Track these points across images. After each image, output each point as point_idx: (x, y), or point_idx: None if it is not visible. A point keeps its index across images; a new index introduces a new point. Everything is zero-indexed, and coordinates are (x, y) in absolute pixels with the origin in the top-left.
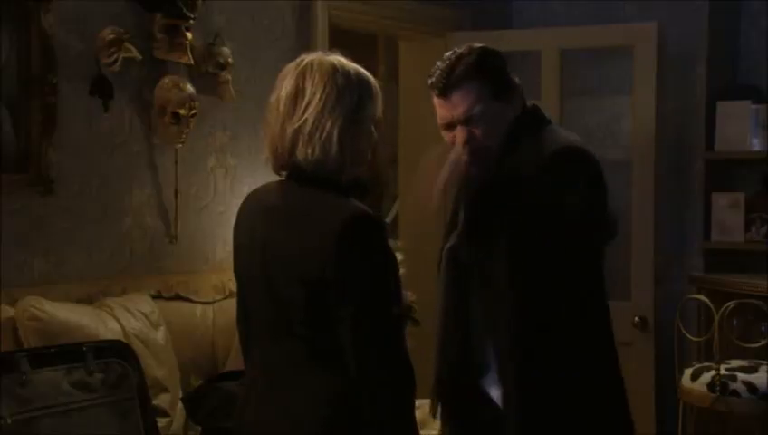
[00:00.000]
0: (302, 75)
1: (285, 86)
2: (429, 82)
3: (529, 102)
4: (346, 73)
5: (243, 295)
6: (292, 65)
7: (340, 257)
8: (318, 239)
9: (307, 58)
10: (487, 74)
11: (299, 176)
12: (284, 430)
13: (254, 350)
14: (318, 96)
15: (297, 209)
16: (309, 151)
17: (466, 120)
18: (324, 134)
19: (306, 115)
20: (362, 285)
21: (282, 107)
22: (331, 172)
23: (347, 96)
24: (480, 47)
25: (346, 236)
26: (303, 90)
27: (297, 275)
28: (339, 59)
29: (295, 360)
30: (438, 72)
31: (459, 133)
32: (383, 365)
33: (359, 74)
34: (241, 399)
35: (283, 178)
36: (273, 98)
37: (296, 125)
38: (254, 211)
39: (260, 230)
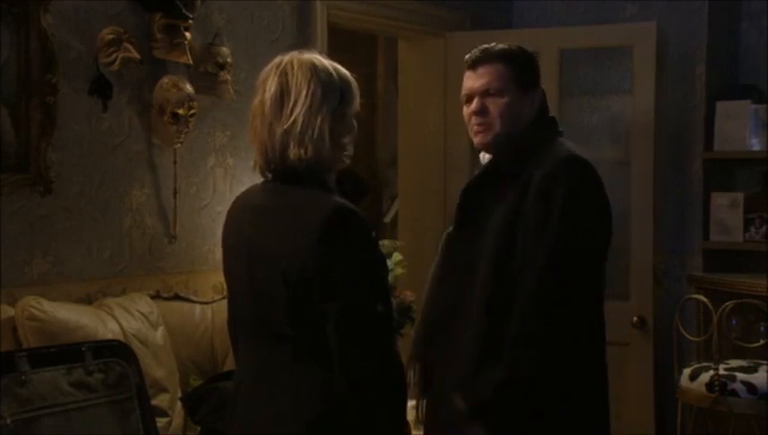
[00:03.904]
0: (284, 75)
1: (269, 88)
2: (465, 61)
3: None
4: (326, 70)
5: (232, 297)
6: (270, 67)
7: (322, 253)
8: (300, 236)
9: (285, 58)
10: (517, 64)
11: (285, 175)
12: (271, 429)
13: (242, 350)
14: (304, 94)
15: (281, 208)
16: (302, 151)
17: (485, 92)
18: (316, 132)
19: (294, 115)
20: (345, 280)
21: (267, 109)
22: (322, 170)
23: (331, 92)
24: (518, 45)
25: (328, 233)
26: (288, 90)
27: (280, 274)
28: (316, 56)
29: (281, 359)
30: (475, 50)
31: (474, 103)
32: (368, 363)
33: (337, 70)
34: (231, 399)
35: (269, 179)
36: (256, 101)
37: (285, 126)
38: (241, 213)
39: (246, 231)
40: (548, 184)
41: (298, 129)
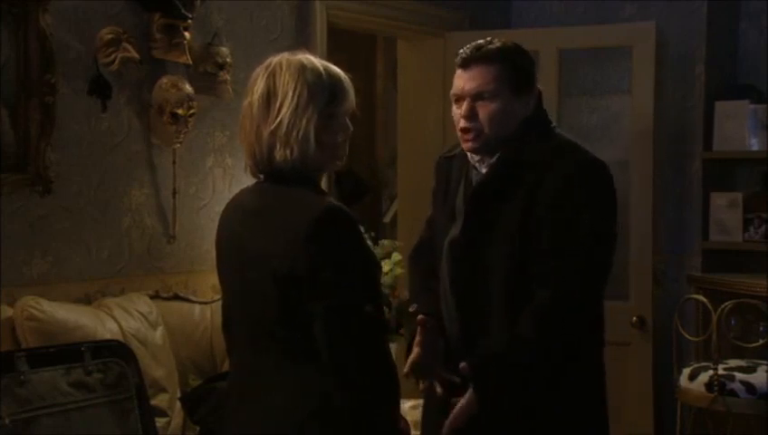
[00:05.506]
0: (271, 77)
1: (257, 89)
2: (456, 58)
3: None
4: (315, 70)
5: (225, 299)
6: (261, 68)
7: (311, 253)
8: (290, 236)
9: (275, 59)
10: (511, 64)
11: (275, 176)
12: (264, 429)
13: (236, 350)
14: (290, 95)
15: (271, 209)
16: (287, 152)
17: (476, 95)
18: (301, 133)
19: (280, 116)
20: (333, 280)
21: (255, 111)
22: (310, 170)
23: (318, 92)
24: (514, 42)
25: (317, 232)
26: (275, 91)
27: (271, 274)
28: (307, 57)
29: (275, 359)
30: (468, 47)
31: (464, 106)
32: (356, 363)
33: (328, 70)
34: (225, 400)
35: (261, 180)
36: (245, 102)
37: (271, 127)
38: (233, 214)
39: (237, 232)
40: (575, 185)
41: (283, 130)
